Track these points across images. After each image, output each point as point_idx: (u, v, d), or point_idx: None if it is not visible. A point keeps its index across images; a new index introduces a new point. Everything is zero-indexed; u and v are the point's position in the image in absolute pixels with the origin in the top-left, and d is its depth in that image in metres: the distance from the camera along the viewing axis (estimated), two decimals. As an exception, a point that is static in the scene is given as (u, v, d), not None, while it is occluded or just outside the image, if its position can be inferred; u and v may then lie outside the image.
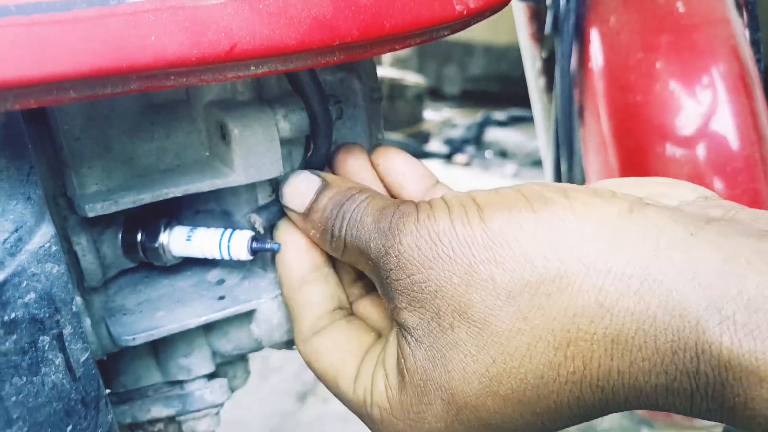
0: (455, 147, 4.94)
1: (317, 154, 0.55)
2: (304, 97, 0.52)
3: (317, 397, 1.86)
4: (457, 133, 5.16)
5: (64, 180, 0.50)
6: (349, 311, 0.55)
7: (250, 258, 0.55)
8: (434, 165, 4.42)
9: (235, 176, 0.52)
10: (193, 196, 0.60)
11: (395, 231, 0.43)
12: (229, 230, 0.56)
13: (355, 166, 0.57)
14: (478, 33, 5.94)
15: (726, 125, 0.98)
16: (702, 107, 1.00)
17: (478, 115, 5.43)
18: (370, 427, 0.48)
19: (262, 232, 0.56)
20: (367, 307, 0.55)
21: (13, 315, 0.36)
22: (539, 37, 1.31)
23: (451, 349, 0.40)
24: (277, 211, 0.56)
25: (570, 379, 0.38)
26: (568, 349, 0.37)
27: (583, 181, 1.24)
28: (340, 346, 0.51)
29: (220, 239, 0.55)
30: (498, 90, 6.07)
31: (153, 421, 0.66)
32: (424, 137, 5.15)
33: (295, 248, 0.53)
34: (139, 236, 0.56)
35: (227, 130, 0.50)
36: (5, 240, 0.36)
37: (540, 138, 1.56)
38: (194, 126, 0.54)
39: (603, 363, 0.37)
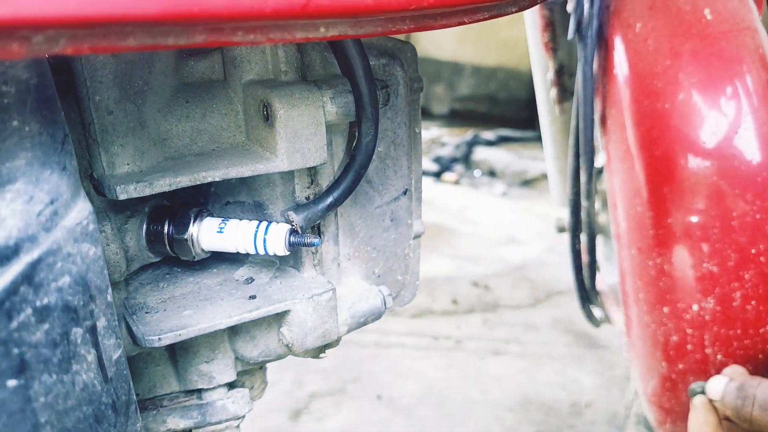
0: (444, 165, 4.93)
1: (363, 140, 0.51)
2: (353, 77, 0.48)
3: (311, 415, 1.79)
4: (445, 152, 5.15)
5: (92, 160, 0.45)
6: None
7: (287, 253, 0.51)
8: (424, 183, 4.40)
9: (278, 161, 0.47)
10: (223, 187, 0.56)
11: None
12: (265, 223, 0.51)
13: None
14: (467, 54, 5.96)
15: (752, 137, 0.96)
16: (727, 118, 0.97)
17: (466, 134, 5.43)
18: None
19: (299, 232, 0.51)
20: None
21: (45, 300, 0.31)
22: (553, 46, 1.29)
23: None
24: (318, 211, 0.52)
25: None
26: None
27: (595, 191, 1.21)
28: None
29: (255, 232, 0.50)
30: (486, 110, 6.09)
31: (167, 434, 0.61)
32: (413, 155, 5.12)
33: (709, 428, 0.70)
34: (166, 227, 0.51)
35: (272, 109, 0.46)
36: (40, 212, 0.31)
37: (547, 151, 1.53)
38: (231, 107, 0.50)
39: None
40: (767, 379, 0.67)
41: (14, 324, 0.29)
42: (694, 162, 0.98)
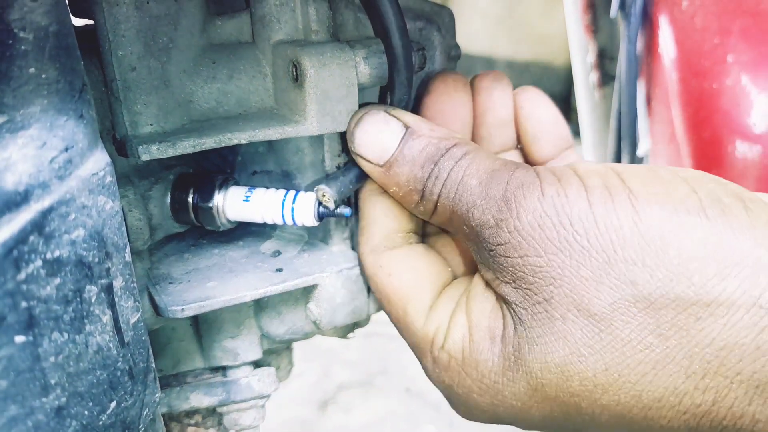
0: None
1: (396, 106, 0.48)
2: (386, 36, 0.45)
3: (338, 406, 1.77)
4: (478, 146, 5.09)
5: (114, 120, 0.43)
6: (424, 240, 0.50)
7: (316, 224, 0.48)
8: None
9: (308, 125, 0.45)
10: (250, 156, 0.53)
11: (512, 203, 0.37)
12: (293, 192, 0.49)
13: (499, 100, 0.50)
14: (500, 48, 5.89)
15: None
16: (779, 101, 0.92)
17: (499, 129, 5.36)
18: (427, 367, 0.44)
19: (332, 207, 0.47)
20: (445, 245, 0.50)
21: (57, 253, 0.29)
22: (594, 28, 1.24)
23: (556, 340, 0.35)
24: (349, 182, 0.49)
25: (691, 411, 0.33)
26: (701, 381, 0.32)
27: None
28: (417, 270, 0.45)
29: (283, 201, 0.48)
30: (519, 105, 6.00)
31: (191, 413, 0.59)
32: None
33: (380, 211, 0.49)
34: (191, 196, 0.49)
35: (301, 69, 0.44)
36: (53, 159, 0.29)
37: (585, 139, 1.48)
38: (259, 69, 0.48)
39: (737, 405, 0.32)
40: (467, 143, 0.42)
41: (22, 275, 0.27)
42: (742, 147, 0.93)
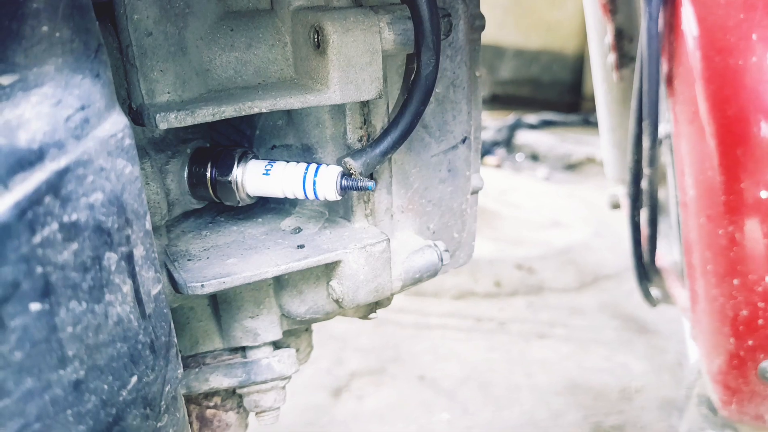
0: (485, 149, 4.84)
1: (423, 72, 0.46)
2: (413, 1, 0.43)
3: (352, 393, 1.76)
4: (486, 135, 5.06)
5: (130, 88, 0.41)
6: None
7: (338, 198, 0.47)
8: (465, 166, 4.32)
9: (330, 93, 0.43)
10: (269, 129, 0.52)
11: None
12: (314, 165, 0.47)
13: None
14: (508, 36, 5.83)
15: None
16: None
17: (508, 118, 5.32)
18: None
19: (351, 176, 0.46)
20: None
21: (74, 216, 0.27)
22: (611, 8, 1.21)
23: None
24: (377, 155, 0.47)
25: None
26: None
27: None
28: None
29: (304, 175, 0.46)
30: (528, 94, 5.96)
31: (209, 395, 0.57)
32: (454, 138, 5.03)
33: None
34: (209, 169, 0.47)
35: (324, 34, 0.42)
36: (69, 117, 0.28)
37: (602, 122, 1.45)
38: (279, 38, 0.46)
39: None
40: None
41: (38, 239, 0.25)
42: (765, 129, 0.90)
